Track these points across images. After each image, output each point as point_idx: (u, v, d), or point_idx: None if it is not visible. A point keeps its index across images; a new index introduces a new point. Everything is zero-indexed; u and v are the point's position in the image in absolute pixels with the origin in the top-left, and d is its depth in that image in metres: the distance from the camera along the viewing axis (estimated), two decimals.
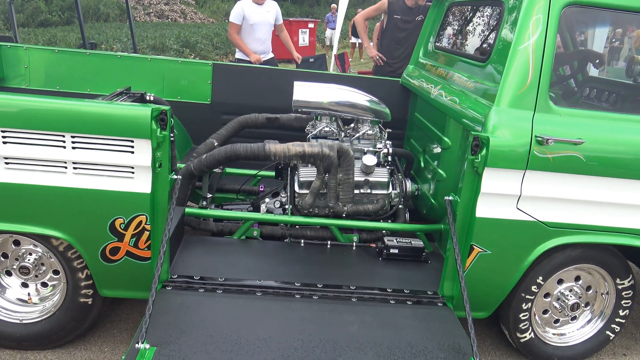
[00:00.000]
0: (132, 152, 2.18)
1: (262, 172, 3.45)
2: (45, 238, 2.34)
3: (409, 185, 3.16)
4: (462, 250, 2.42)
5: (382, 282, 2.60)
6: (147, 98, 3.38)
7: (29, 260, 2.49)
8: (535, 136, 2.24)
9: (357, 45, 16.14)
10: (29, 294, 2.57)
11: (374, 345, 2.09)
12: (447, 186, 2.81)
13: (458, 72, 2.92)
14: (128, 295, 2.47)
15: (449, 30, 3.41)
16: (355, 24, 5.46)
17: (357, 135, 3.07)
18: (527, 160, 2.26)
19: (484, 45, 2.78)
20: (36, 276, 2.54)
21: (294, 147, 2.73)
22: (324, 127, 3.07)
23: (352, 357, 2.01)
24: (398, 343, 2.12)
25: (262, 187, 3.53)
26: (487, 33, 2.77)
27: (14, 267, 2.52)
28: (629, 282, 2.63)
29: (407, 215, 3.13)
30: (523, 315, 2.59)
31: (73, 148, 2.15)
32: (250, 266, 2.63)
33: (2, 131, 2.12)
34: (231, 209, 3.13)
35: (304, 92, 2.96)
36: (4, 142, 2.13)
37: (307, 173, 2.95)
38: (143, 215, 2.25)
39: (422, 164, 3.25)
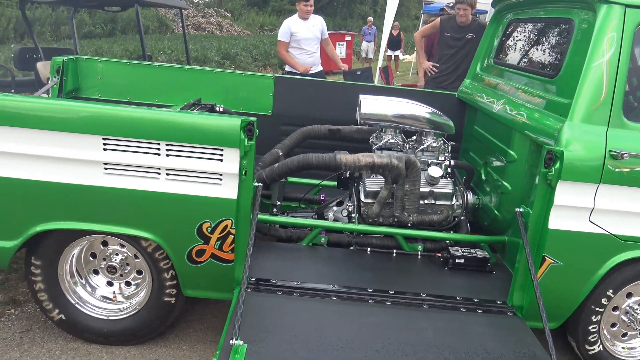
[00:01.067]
0: (221, 160, 2.31)
1: (324, 182, 3.56)
2: (135, 239, 2.49)
3: (470, 197, 3.23)
4: (536, 260, 2.47)
5: (450, 290, 2.67)
6: (217, 109, 3.55)
7: (115, 260, 2.65)
8: (609, 150, 2.30)
9: (392, 57, 16.26)
10: (114, 292, 2.73)
11: (452, 351, 2.16)
12: (512, 198, 2.87)
13: (522, 87, 2.99)
14: (209, 296, 2.61)
15: (511, 46, 3.48)
16: (415, 40, 5.69)
17: (422, 147, 3.16)
18: (600, 174, 2.32)
19: (552, 61, 2.84)
20: (121, 275, 2.69)
21: (364, 157, 2.84)
22: (389, 139, 3.17)
23: None
24: (475, 349, 2.19)
25: (323, 196, 3.64)
26: (555, 49, 2.84)
27: (102, 266, 2.68)
28: None
29: (468, 226, 3.20)
30: (592, 328, 2.62)
31: (167, 155, 2.30)
32: (321, 271, 2.73)
33: (104, 139, 2.28)
34: (296, 217, 3.24)
35: (371, 105, 3.08)
36: (105, 149, 2.30)
37: (373, 183, 3.05)
38: (229, 219, 2.38)
39: (484, 177, 3.31)
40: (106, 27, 19.13)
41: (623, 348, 2.72)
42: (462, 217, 3.18)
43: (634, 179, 2.32)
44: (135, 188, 2.34)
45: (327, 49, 6.20)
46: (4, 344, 2.69)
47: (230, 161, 2.31)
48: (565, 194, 2.35)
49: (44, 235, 2.48)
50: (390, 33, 17.30)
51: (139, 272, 2.71)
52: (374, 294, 2.57)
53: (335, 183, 3.77)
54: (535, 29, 3.20)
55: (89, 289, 2.70)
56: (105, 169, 2.32)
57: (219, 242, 2.42)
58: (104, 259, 2.67)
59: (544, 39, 3.02)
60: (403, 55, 17.96)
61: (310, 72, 5.73)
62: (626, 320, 2.68)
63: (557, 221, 2.39)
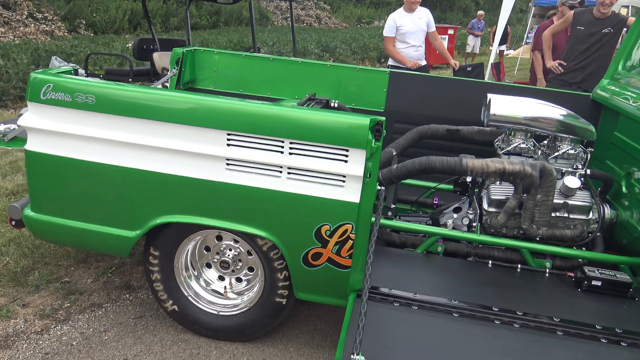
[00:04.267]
0: (346, 161, 2.19)
1: (441, 185, 3.35)
2: (251, 237, 2.44)
3: (608, 211, 2.88)
4: None
5: (586, 316, 2.38)
6: (332, 105, 3.44)
7: (228, 255, 2.63)
8: None
9: (498, 53, 15.47)
10: (225, 287, 2.71)
11: None
12: None
13: None
14: (321, 300, 2.51)
15: None
16: (543, 38, 5.28)
17: (556, 154, 2.85)
18: None
19: None
20: (233, 271, 2.66)
21: (494, 163, 2.60)
22: (519, 144, 2.89)
23: None
24: None
25: (436, 200, 3.43)
26: None
27: (214, 260, 2.66)
28: None
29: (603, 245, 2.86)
30: None
31: (290, 154, 2.21)
32: (439, 283, 2.54)
33: (228, 134, 2.24)
34: (409, 221, 3.06)
35: (502, 105, 2.82)
36: (228, 145, 2.25)
37: (499, 191, 2.80)
38: (349, 224, 2.25)
39: (625, 189, 2.94)
40: (210, 19, 19.86)
41: None
42: (598, 234, 2.84)
43: None
44: (256, 186, 2.27)
45: (436, 44, 5.93)
46: (119, 328, 2.76)
47: (355, 162, 2.18)
48: None
49: (164, 227, 2.49)
50: (496, 26, 16.56)
51: (251, 269, 2.68)
52: (500, 313, 2.34)
53: (450, 187, 3.55)
54: None
55: (202, 282, 2.70)
56: (228, 164, 2.28)
57: (337, 246, 2.30)
58: (218, 254, 2.66)
59: None
60: (507, 50, 17.02)
61: None
62: None
63: None
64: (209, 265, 2.72)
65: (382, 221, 2.81)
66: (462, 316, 2.30)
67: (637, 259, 2.66)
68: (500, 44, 15.57)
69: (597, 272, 2.60)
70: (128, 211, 2.44)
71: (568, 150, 2.83)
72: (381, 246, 2.89)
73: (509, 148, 2.91)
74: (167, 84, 3.84)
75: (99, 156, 2.37)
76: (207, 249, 2.68)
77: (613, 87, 3.38)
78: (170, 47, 6.46)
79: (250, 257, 2.62)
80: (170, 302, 2.64)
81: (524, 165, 2.57)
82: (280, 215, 2.30)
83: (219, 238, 2.62)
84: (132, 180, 2.37)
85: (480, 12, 16.20)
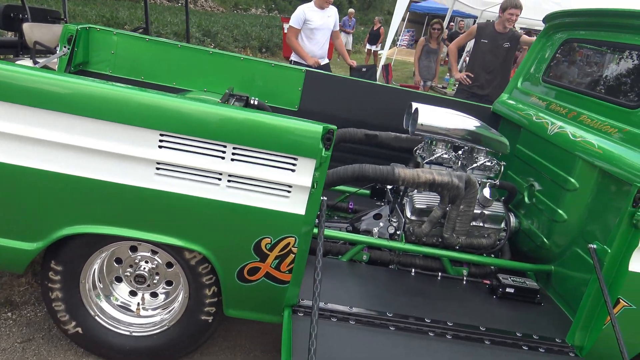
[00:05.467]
0: (293, 171, 2.04)
1: (360, 191, 3.33)
2: (177, 250, 2.18)
3: (513, 220, 3.08)
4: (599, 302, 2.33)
5: (506, 323, 2.51)
6: (252, 102, 3.24)
7: (144, 268, 2.34)
8: None
9: (371, 52, 16.09)
10: (137, 304, 2.41)
11: None
12: (567, 228, 2.73)
13: (587, 113, 2.84)
14: (252, 317, 2.33)
15: (568, 66, 3.33)
16: (449, 51, 5.51)
17: (475, 165, 2.96)
18: None
19: (632, 91, 2.70)
20: (148, 285, 2.38)
21: (424, 174, 2.63)
22: (442, 154, 2.96)
23: None
24: None
25: (351, 205, 3.41)
26: (637, 79, 2.70)
27: (127, 274, 2.35)
28: None
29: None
30: None
31: (232, 160, 2.01)
32: (370, 294, 2.51)
33: (161, 134, 1.96)
34: (329, 227, 3.00)
35: (429, 116, 2.85)
36: (160, 147, 1.98)
37: (422, 200, 2.84)
38: (292, 237, 2.11)
39: (527, 200, 3.16)
40: None
41: None
42: (505, 242, 3.02)
43: None
44: (191, 194, 2.03)
45: (337, 43, 5.94)
46: (2, 355, 2.33)
47: (304, 172, 2.04)
48: None
49: (71, 238, 2.13)
50: (372, 27, 17.19)
51: (169, 283, 2.41)
52: (432, 325, 2.36)
53: (367, 192, 3.55)
54: (604, 53, 3.06)
55: (112, 300, 2.37)
56: (158, 169, 2.00)
57: (277, 260, 2.14)
58: (131, 266, 2.35)
59: (620, 66, 2.88)
60: (380, 49, 17.81)
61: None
62: None
63: (638, 264, 2.25)
64: (118, 279, 2.40)
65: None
66: (399, 329, 2.29)
67: (542, 266, 2.88)
68: (373, 43, 16.32)
69: (510, 279, 2.75)
70: (28, 219, 2.04)
71: (485, 162, 2.96)
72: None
73: (431, 158, 2.96)
74: (54, 65, 3.34)
75: None
76: (118, 261, 2.35)
77: (513, 102, 3.62)
78: (42, 18, 5.69)
79: (169, 269, 2.35)
80: (73, 323, 2.28)
81: (451, 176, 2.63)
82: (217, 227, 2.09)
83: (133, 249, 2.32)
84: (32, 184, 1.98)
85: (351, 10, 16.77)
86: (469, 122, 2.93)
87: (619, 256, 2.28)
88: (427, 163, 2.96)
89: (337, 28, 5.78)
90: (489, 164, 2.97)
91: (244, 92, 3.58)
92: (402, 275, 2.77)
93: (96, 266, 2.29)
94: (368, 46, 16.16)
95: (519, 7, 4.78)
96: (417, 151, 3.12)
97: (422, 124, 2.84)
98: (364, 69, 6.22)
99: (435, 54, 7.89)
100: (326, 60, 5.76)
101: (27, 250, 2.06)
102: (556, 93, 3.26)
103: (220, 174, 2.02)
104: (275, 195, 2.06)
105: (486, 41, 4.91)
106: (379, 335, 2.22)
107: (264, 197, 2.06)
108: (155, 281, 2.38)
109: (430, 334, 2.32)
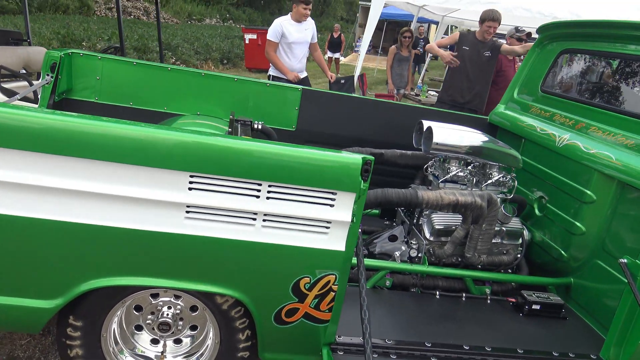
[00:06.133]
0: (332, 206, 1.93)
1: (371, 211, 3.25)
2: (208, 295, 2.04)
3: (526, 234, 3.06)
4: (634, 316, 2.33)
5: (540, 343, 2.47)
6: (256, 126, 3.11)
7: (167, 315, 2.18)
8: None
9: (332, 60, 16.08)
10: (162, 353, 2.24)
11: None
12: (586, 240, 2.73)
13: (597, 125, 2.85)
14: (288, 359, 2.20)
15: (571, 77, 3.35)
16: (430, 49, 5.55)
17: (490, 181, 2.93)
18: None
19: None
20: (172, 333, 2.22)
21: (447, 195, 2.57)
22: (457, 172, 2.91)
23: None
24: None
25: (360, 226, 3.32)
26: None
27: (149, 322, 2.19)
28: None
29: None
30: None
31: (267, 198, 1.88)
32: (401, 323, 2.43)
33: (191, 176, 1.82)
34: None
35: (444, 134, 2.80)
36: (190, 189, 1.83)
37: (442, 220, 2.79)
38: (332, 274, 2.00)
39: (538, 212, 3.15)
40: (20, 2, 17.23)
41: None
42: (522, 257, 3.00)
43: None
44: (223, 237, 1.89)
45: (315, 55, 5.85)
46: None
47: (343, 207, 1.93)
48: None
49: (92, 290, 1.95)
50: (331, 35, 17.21)
51: (194, 327, 2.25)
52: (472, 352, 2.30)
53: (376, 211, 3.48)
54: (610, 64, 3.08)
55: (137, 352, 2.20)
56: (188, 212, 1.86)
57: (317, 300, 2.03)
58: (152, 313, 2.18)
59: (631, 77, 2.90)
60: (341, 56, 17.84)
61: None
62: None
63: None
64: (138, 328, 2.23)
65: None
66: (440, 359, 2.22)
67: (562, 279, 2.86)
68: (335, 51, 16.33)
69: (534, 295, 2.72)
70: (44, 275, 1.85)
71: (499, 178, 2.93)
72: None
73: (447, 177, 2.91)
74: (38, 95, 3.11)
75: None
76: (138, 308, 2.18)
77: (511, 113, 3.62)
78: (4, 40, 5.37)
79: (194, 313, 2.20)
80: None
81: (474, 197, 2.58)
82: (252, 270, 1.96)
83: (154, 295, 2.15)
84: (49, 237, 1.80)
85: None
86: (481, 138, 2.90)
87: None
88: (442, 182, 2.91)
89: (315, 40, 5.71)
90: (503, 179, 2.94)
91: (238, 114, 3.45)
92: (427, 299, 2.70)
93: (117, 318, 2.11)
94: (329, 54, 16.14)
95: (496, 19, 4.84)
96: (429, 169, 3.06)
97: (437, 143, 2.78)
98: (342, 81, 6.17)
99: (406, 61, 7.93)
100: (305, 74, 5.67)
101: (45, 309, 1.88)
102: (559, 104, 3.27)
103: (255, 213, 1.89)
104: (314, 233, 1.95)
105: (467, 48, 4.95)
106: None
107: (301, 235, 1.95)
108: (179, 327, 2.22)
109: None
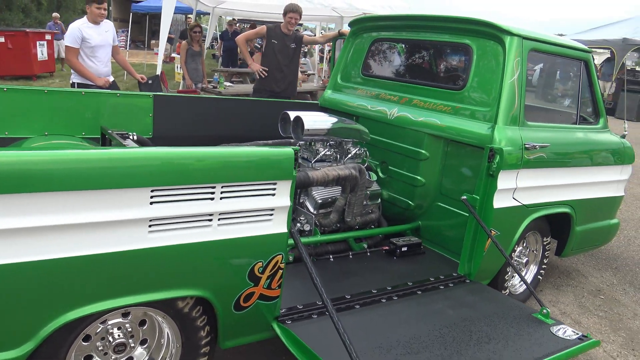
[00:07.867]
0: (274, 195, 2.20)
1: None
2: (168, 302, 2.12)
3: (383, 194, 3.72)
4: (481, 235, 3.11)
5: (419, 274, 3.12)
6: (132, 137, 3.08)
7: (119, 335, 2.18)
8: (524, 144, 3.10)
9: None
10: None
11: (484, 316, 2.65)
12: (427, 189, 3.48)
13: (419, 97, 3.59)
14: (247, 341, 2.40)
15: (385, 61, 4.05)
16: (238, 43, 5.77)
17: (349, 156, 3.46)
18: (520, 162, 3.11)
19: (453, 77, 3.52)
20: (126, 352, 2.22)
21: (330, 172, 3.01)
22: (325, 152, 3.36)
23: (484, 326, 2.54)
24: (495, 310, 2.73)
25: None
26: (453, 67, 3.54)
27: (100, 348, 2.15)
28: None
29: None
30: (507, 276, 3.48)
31: (221, 199, 2.06)
32: (324, 285, 2.82)
33: (152, 190, 1.89)
34: None
35: (311, 121, 3.21)
36: (152, 203, 1.91)
37: (322, 194, 3.23)
38: (279, 254, 2.28)
39: (381, 174, 3.81)
40: None
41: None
42: (380, 212, 3.64)
43: (537, 163, 3.20)
44: (185, 242, 2.01)
45: (118, 58, 5.65)
46: None
47: (283, 194, 2.22)
48: (502, 180, 3.06)
49: (54, 330, 1.87)
50: None
51: (143, 342, 2.28)
52: (379, 294, 2.82)
53: None
54: (415, 49, 3.84)
55: None
56: (151, 226, 1.92)
57: (269, 280, 2.28)
58: (102, 339, 2.15)
59: (435, 58, 3.69)
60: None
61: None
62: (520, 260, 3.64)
63: (497, 202, 3.08)
64: (88, 358, 2.16)
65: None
66: (363, 306, 2.68)
67: (413, 224, 3.59)
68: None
69: (400, 241, 3.38)
70: (8, 322, 1.73)
71: (356, 151, 3.49)
72: None
73: (318, 157, 3.34)
74: None
75: None
76: (87, 338, 2.12)
77: (340, 96, 4.22)
78: None
79: (143, 327, 2.24)
80: None
81: (350, 169, 3.08)
82: (214, 267, 2.11)
83: (102, 321, 2.13)
84: (11, 279, 1.70)
85: (56, 14, 15.69)
86: (335, 120, 3.40)
87: (485, 199, 3.08)
88: (315, 162, 3.33)
89: (117, 42, 5.53)
90: (358, 152, 3.51)
91: (92, 127, 3.34)
92: (324, 264, 3.13)
93: (73, 354, 2.04)
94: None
95: (297, 11, 5.40)
96: (300, 154, 3.45)
97: (307, 129, 3.19)
98: (149, 81, 6.08)
99: (199, 55, 8.09)
100: (112, 78, 5.47)
101: (13, 358, 1.75)
102: (381, 84, 3.96)
103: (212, 214, 2.05)
104: (262, 221, 2.20)
105: (276, 42, 5.41)
106: (356, 315, 2.57)
107: (252, 225, 2.18)
108: (132, 345, 2.23)
109: (383, 300, 2.76)
